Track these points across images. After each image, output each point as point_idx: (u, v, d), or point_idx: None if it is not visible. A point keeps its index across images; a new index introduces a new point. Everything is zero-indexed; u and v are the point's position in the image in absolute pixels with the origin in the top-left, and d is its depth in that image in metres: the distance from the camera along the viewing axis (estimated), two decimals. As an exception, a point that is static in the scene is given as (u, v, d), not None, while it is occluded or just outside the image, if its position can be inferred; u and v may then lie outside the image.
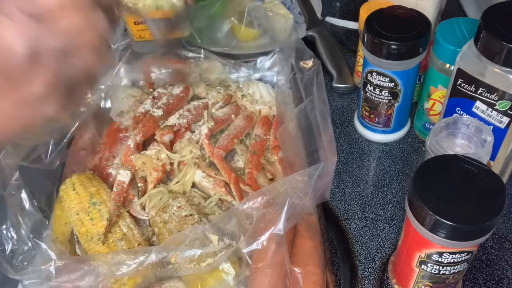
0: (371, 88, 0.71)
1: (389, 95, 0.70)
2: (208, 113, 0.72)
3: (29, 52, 0.36)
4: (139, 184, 0.65)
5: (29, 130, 0.41)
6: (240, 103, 0.76)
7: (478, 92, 0.58)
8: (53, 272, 0.49)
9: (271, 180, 0.68)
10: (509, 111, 0.57)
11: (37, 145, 0.62)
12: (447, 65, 0.67)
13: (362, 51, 0.70)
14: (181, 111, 0.72)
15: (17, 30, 0.35)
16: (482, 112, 0.60)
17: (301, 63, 0.72)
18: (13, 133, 0.41)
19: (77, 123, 0.68)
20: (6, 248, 0.53)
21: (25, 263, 0.53)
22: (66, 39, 0.38)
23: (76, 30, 0.38)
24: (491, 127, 0.59)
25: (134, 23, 0.56)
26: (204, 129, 0.69)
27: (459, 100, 0.61)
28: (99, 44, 0.40)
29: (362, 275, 0.62)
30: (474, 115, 0.61)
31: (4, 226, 0.54)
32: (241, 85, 0.79)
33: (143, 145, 0.69)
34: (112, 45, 0.45)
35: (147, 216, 0.62)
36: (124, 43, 0.74)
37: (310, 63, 0.71)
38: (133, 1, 0.54)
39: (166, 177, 0.67)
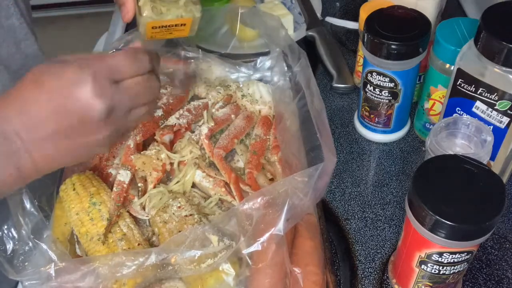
0: (371, 88, 0.71)
1: (389, 95, 0.70)
2: (208, 113, 0.72)
3: (107, 110, 0.43)
4: (139, 184, 0.65)
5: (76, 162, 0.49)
6: (240, 103, 0.76)
7: (478, 92, 0.58)
8: (53, 273, 0.49)
9: (271, 180, 0.68)
10: (509, 111, 0.57)
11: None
12: (447, 65, 0.67)
13: (362, 51, 0.70)
14: (181, 111, 0.72)
15: (102, 91, 0.43)
16: (482, 112, 0.60)
17: (293, 59, 0.72)
18: (64, 165, 0.48)
19: None
20: (7, 248, 0.53)
21: (26, 264, 0.53)
22: (133, 99, 0.47)
23: (140, 92, 0.47)
24: (491, 127, 0.59)
25: (152, 27, 0.58)
26: (204, 129, 0.69)
27: (459, 100, 0.61)
28: (153, 101, 0.50)
29: (362, 275, 0.62)
30: (474, 115, 0.61)
31: (5, 226, 0.54)
32: (241, 85, 0.79)
33: (143, 145, 0.69)
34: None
35: (147, 216, 0.62)
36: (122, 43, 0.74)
37: (297, 57, 0.70)
38: (157, 11, 0.56)
39: (166, 177, 0.67)
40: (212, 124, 0.70)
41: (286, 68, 0.74)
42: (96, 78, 0.43)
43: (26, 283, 0.50)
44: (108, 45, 0.71)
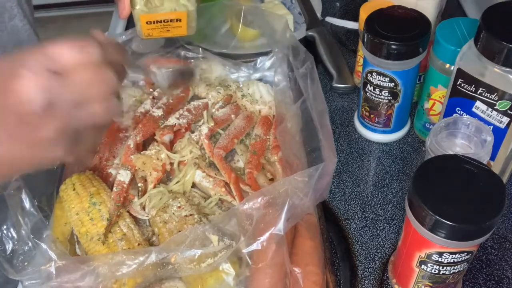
0: (371, 88, 0.71)
1: (389, 95, 0.70)
2: (208, 113, 0.72)
3: (46, 102, 0.40)
4: (139, 184, 0.65)
5: (36, 169, 0.45)
6: (240, 103, 0.76)
7: (478, 92, 0.58)
8: (54, 273, 0.49)
9: (271, 180, 0.67)
10: (509, 111, 0.57)
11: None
12: (447, 65, 0.67)
13: (362, 51, 0.70)
14: (181, 111, 0.72)
15: (37, 82, 0.40)
16: (482, 112, 0.60)
17: (296, 60, 0.72)
18: (22, 171, 0.46)
19: None
20: (7, 248, 0.53)
21: (26, 263, 0.53)
22: (78, 92, 0.43)
23: (87, 84, 0.43)
24: (491, 127, 0.59)
25: (147, 22, 0.57)
26: (204, 129, 0.69)
27: (459, 100, 0.61)
28: (107, 96, 0.45)
29: (362, 275, 0.62)
30: (474, 115, 0.61)
31: (5, 227, 0.54)
32: (241, 85, 0.79)
33: (143, 145, 0.69)
34: (121, 96, 0.48)
35: (147, 216, 0.62)
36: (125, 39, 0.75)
37: (303, 59, 0.70)
38: (150, 5, 0.56)
39: (166, 177, 0.67)
40: (212, 124, 0.70)
41: (288, 69, 0.74)
42: (30, 68, 0.40)
43: (26, 283, 0.50)
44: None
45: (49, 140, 0.42)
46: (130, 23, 1.04)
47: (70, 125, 0.43)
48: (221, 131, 0.71)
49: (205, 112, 0.72)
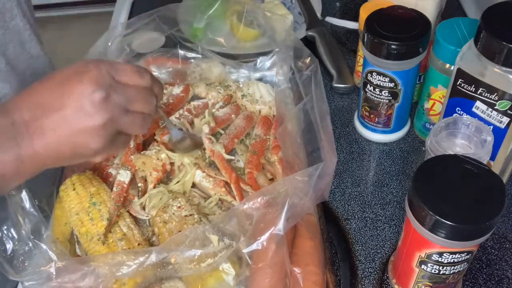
0: (371, 88, 0.71)
1: (389, 95, 0.70)
2: (209, 112, 0.72)
3: (105, 95, 0.47)
4: (139, 184, 0.65)
5: (75, 159, 0.51)
6: (240, 103, 0.76)
7: (478, 92, 0.58)
8: (54, 273, 0.49)
9: (271, 180, 0.67)
10: (509, 111, 0.57)
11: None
12: (447, 65, 0.67)
13: (362, 51, 0.70)
14: (181, 111, 0.72)
15: (101, 78, 0.48)
16: (482, 112, 0.60)
17: (299, 62, 0.72)
18: (62, 159, 0.49)
19: None
20: (7, 248, 0.53)
21: (26, 264, 0.53)
22: (128, 99, 0.50)
23: (136, 97, 0.51)
24: (491, 127, 0.59)
25: None
26: (205, 129, 0.69)
27: (459, 100, 0.61)
28: (147, 113, 0.53)
29: (362, 275, 0.62)
30: (474, 115, 0.61)
31: (5, 227, 0.54)
32: (241, 85, 0.79)
33: (143, 145, 0.69)
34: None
35: (147, 216, 0.62)
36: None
37: (307, 62, 0.71)
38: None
39: (166, 177, 0.67)
40: (213, 124, 0.70)
41: (290, 71, 0.74)
42: (98, 68, 0.48)
43: (26, 284, 0.50)
44: (108, 40, 0.72)
45: (97, 129, 0.47)
46: (133, 9, 1.05)
47: (116, 123, 0.49)
48: (221, 131, 0.71)
49: (206, 112, 0.72)
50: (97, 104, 0.47)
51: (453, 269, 0.51)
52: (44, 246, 0.52)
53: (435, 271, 0.51)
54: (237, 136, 0.70)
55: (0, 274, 0.51)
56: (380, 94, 0.71)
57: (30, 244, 0.53)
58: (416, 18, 0.67)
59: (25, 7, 0.72)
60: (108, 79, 0.48)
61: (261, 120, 0.73)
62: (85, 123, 0.47)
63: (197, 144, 0.68)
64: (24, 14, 0.71)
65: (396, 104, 0.72)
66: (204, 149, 0.68)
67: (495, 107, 0.58)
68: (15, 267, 0.52)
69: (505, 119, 0.58)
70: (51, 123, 0.47)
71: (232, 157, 0.68)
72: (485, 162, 0.55)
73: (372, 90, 0.71)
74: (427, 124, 0.75)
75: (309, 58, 0.70)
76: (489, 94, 0.57)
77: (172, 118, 0.70)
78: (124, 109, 0.49)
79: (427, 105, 0.73)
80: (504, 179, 0.66)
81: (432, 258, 0.50)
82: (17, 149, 0.46)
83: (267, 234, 0.51)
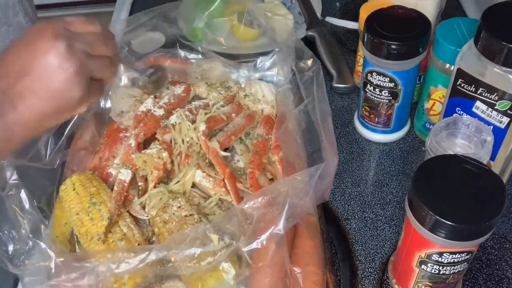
0: (371, 88, 0.71)
1: (389, 95, 0.70)
2: (203, 111, 0.72)
3: (67, 44, 0.48)
4: (139, 183, 0.65)
5: (61, 117, 0.52)
6: (242, 103, 0.76)
7: (478, 92, 0.58)
8: (53, 269, 0.49)
9: (271, 180, 0.67)
10: (509, 111, 0.57)
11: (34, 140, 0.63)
12: (447, 65, 0.67)
13: (362, 51, 0.70)
14: (182, 111, 0.72)
15: (58, 31, 0.49)
16: (482, 112, 0.60)
17: (300, 63, 0.72)
18: (47, 117, 0.50)
19: (75, 118, 0.70)
20: (8, 248, 0.53)
21: (26, 262, 0.53)
22: (88, 44, 0.51)
23: (94, 41, 0.52)
24: (491, 127, 0.59)
25: None
26: (202, 126, 0.69)
27: (459, 100, 0.61)
28: (110, 56, 0.54)
29: (362, 275, 0.62)
30: (474, 115, 0.61)
31: (6, 227, 0.54)
32: (242, 85, 0.78)
33: (144, 144, 0.69)
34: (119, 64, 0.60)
35: (147, 216, 0.62)
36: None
37: (309, 63, 0.71)
38: None
39: (166, 177, 0.67)
40: (204, 127, 0.70)
41: (291, 72, 0.74)
42: (53, 24, 0.50)
43: (26, 279, 0.50)
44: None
45: (71, 77, 0.48)
46: (133, 9, 1.05)
47: (86, 68, 0.50)
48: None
49: (201, 110, 0.72)
50: (63, 54, 0.48)
51: (453, 269, 0.51)
52: (43, 245, 0.52)
53: (435, 271, 0.51)
54: (234, 134, 0.70)
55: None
56: (380, 94, 0.71)
57: (30, 243, 0.53)
58: (416, 18, 0.67)
59: (27, 5, 0.74)
60: (65, 31, 0.50)
61: (263, 120, 0.73)
62: (59, 75, 0.48)
63: (164, 75, 0.70)
64: (26, 11, 0.73)
65: (396, 104, 0.72)
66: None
67: (495, 107, 0.58)
68: (15, 265, 0.52)
69: (505, 119, 0.58)
70: (28, 85, 0.48)
71: (228, 154, 0.68)
72: (485, 162, 0.55)
73: (372, 90, 0.71)
74: (427, 124, 0.75)
75: (311, 59, 0.70)
76: (489, 94, 0.57)
77: (173, 117, 0.70)
78: (88, 54, 0.51)
79: (427, 105, 0.73)
80: (504, 179, 0.66)
81: (432, 258, 0.50)
82: (2, 116, 0.48)
83: (267, 233, 0.51)
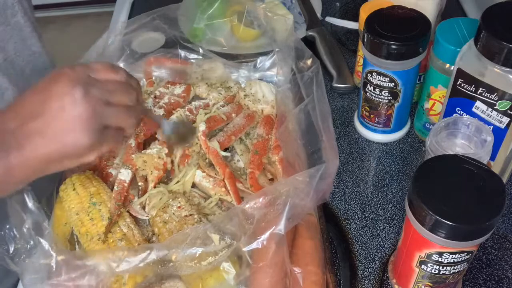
0: (371, 88, 0.71)
1: (389, 95, 0.70)
2: (203, 111, 0.72)
3: (84, 91, 0.48)
4: (139, 183, 0.65)
5: (66, 163, 0.50)
6: (242, 103, 0.76)
7: (478, 92, 0.58)
8: (54, 267, 0.49)
9: (271, 180, 0.67)
10: (509, 111, 0.57)
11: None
12: (447, 65, 0.67)
13: (362, 51, 0.70)
14: (182, 111, 0.72)
15: (77, 76, 0.48)
16: (482, 112, 0.60)
17: (300, 63, 0.72)
18: (52, 157, 0.49)
19: None
20: (10, 247, 0.53)
21: (27, 261, 0.53)
22: (108, 92, 0.50)
23: (115, 90, 0.51)
24: (491, 127, 0.59)
25: None
26: (202, 126, 0.69)
27: (459, 100, 0.61)
28: (130, 105, 0.53)
29: (362, 275, 0.62)
30: (474, 115, 0.61)
31: (8, 226, 0.54)
32: (243, 86, 0.79)
33: (144, 144, 0.69)
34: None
35: (147, 216, 0.62)
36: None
37: (309, 63, 0.71)
38: None
39: (166, 177, 0.67)
40: (204, 127, 0.70)
41: (291, 72, 0.74)
42: (72, 69, 0.49)
43: (27, 278, 0.50)
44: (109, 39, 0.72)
45: (81, 124, 0.47)
46: (133, 9, 1.05)
47: (99, 116, 0.49)
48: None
49: (201, 110, 0.72)
50: (78, 100, 0.47)
51: (453, 269, 0.51)
52: (45, 243, 0.52)
53: (435, 271, 0.51)
54: (234, 134, 0.70)
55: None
56: (380, 94, 0.71)
57: (32, 242, 0.53)
58: (416, 18, 0.67)
59: (26, 5, 0.74)
60: (84, 77, 0.49)
61: (263, 120, 0.73)
62: (69, 120, 0.47)
63: (192, 130, 0.68)
64: (25, 11, 0.73)
65: (396, 104, 0.72)
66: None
67: (495, 107, 0.58)
68: (16, 263, 0.52)
69: (505, 119, 0.58)
70: (37, 127, 0.47)
71: (228, 154, 0.68)
72: (485, 162, 0.55)
73: (372, 90, 0.71)
74: (427, 124, 0.75)
75: (311, 59, 0.70)
76: (489, 94, 0.57)
77: (173, 117, 0.70)
78: (105, 102, 0.49)
79: (427, 105, 0.73)
80: (504, 179, 0.66)
81: (432, 258, 0.50)
82: (5, 155, 0.47)
83: (267, 233, 0.51)
